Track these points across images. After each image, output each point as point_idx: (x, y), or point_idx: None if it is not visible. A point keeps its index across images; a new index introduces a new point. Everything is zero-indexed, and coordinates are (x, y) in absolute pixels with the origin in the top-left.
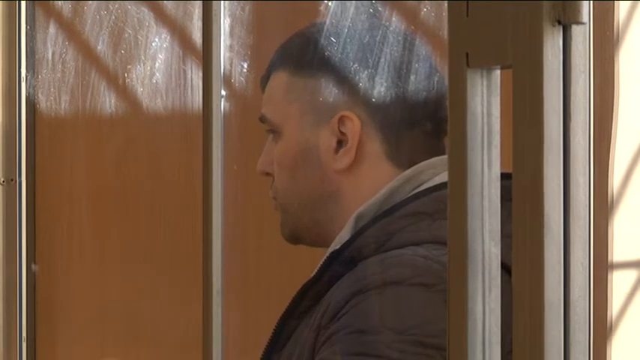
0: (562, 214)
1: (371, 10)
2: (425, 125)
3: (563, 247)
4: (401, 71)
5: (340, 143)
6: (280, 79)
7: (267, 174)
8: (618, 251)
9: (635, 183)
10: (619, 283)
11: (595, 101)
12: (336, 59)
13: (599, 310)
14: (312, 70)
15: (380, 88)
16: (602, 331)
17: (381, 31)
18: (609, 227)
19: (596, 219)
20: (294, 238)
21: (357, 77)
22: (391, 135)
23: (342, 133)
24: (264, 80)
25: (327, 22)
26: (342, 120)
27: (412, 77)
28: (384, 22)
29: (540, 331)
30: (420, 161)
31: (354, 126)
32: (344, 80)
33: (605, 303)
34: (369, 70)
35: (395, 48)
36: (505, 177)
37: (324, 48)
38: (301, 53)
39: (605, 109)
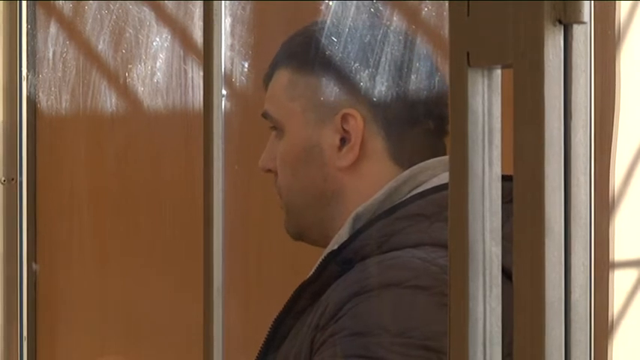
0: (563, 214)
1: (372, 10)
2: (427, 123)
3: (564, 246)
4: (402, 69)
5: (343, 141)
6: (283, 76)
7: (269, 170)
8: (619, 251)
9: (636, 182)
10: (620, 282)
11: (596, 100)
12: (338, 57)
13: (600, 310)
14: (315, 67)
15: (382, 86)
16: (603, 330)
17: (382, 30)
18: (610, 226)
19: (597, 218)
20: (298, 235)
21: (359, 75)
22: (394, 133)
23: (345, 130)
24: (268, 78)
25: (329, 20)
26: (345, 117)
27: (413, 75)
28: (384, 21)
29: (541, 331)
30: (422, 160)
31: (357, 123)
32: (346, 78)
33: (606, 303)
34: (371, 68)
35: (396, 47)
36: (505, 179)
37: (326, 46)
38: (304, 51)
39: (606, 108)
